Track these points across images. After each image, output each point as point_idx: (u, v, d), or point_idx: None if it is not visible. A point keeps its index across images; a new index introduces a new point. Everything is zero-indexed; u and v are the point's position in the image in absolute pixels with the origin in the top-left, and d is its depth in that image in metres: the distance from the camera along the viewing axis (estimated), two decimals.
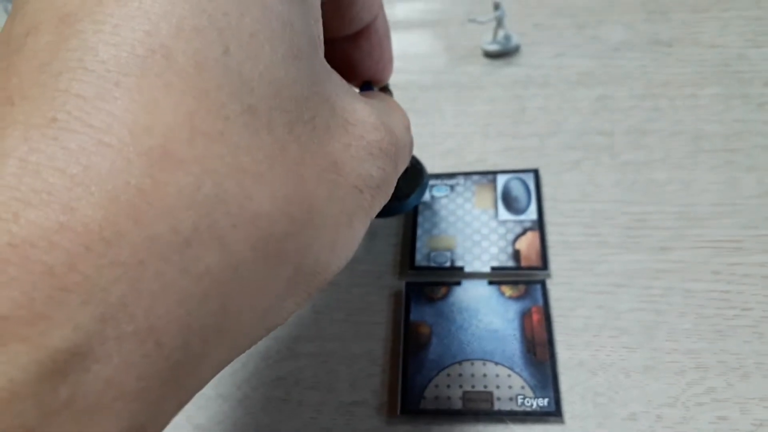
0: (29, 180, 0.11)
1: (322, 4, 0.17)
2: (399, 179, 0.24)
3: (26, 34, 0.12)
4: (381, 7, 0.21)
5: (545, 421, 0.26)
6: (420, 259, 0.32)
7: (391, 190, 0.18)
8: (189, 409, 0.29)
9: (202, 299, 0.12)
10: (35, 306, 0.10)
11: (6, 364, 0.10)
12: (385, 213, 0.28)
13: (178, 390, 0.13)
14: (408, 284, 0.31)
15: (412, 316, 0.30)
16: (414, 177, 0.31)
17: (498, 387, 0.27)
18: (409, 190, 0.30)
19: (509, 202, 0.33)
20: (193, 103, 0.12)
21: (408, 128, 0.20)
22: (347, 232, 0.16)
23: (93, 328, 0.11)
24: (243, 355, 0.16)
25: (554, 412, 0.26)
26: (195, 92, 0.12)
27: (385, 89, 0.26)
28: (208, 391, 0.29)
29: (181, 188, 0.11)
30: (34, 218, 0.10)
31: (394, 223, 0.34)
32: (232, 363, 0.15)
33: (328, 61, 0.17)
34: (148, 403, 0.12)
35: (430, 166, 0.36)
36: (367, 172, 0.16)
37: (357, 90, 0.22)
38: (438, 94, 0.40)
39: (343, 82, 0.17)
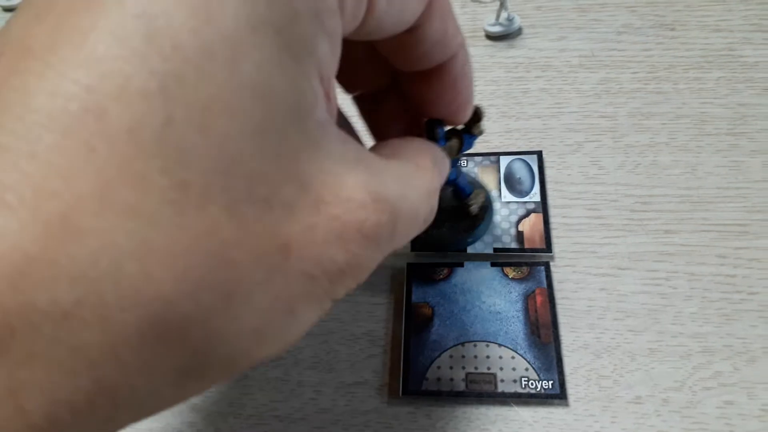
0: None
1: (379, 43, 0.15)
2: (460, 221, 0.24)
3: None
4: (461, 46, 0.19)
5: (550, 404, 0.26)
6: (422, 239, 0.31)
7: (366, 272, 0.16)
8: None
9: (70, 373, 0.11)
10: None
11: None
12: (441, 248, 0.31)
13: None
14: (410, 265, 0.30)
15: (414, 297, 0.29)
16: (480, 218, 0.31)
17: (501, 369, 0.26)
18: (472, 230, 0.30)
19: (512, 183, 0.32)
20: (112, 172, 0.11)
21: (429, 194, 0.18)
22: (284, 319, 0.14)
23: None
24: None
25: (559, 395, 0.26)
26: (118, 161, 0.11)
27: (454, 132, 0.25)
28: None
29: (73, 261, 0.11)
30: None
31: None
32: None
33: (392, 93, 0.15)
34: None
35: None
36: (328, 257, 0.14)
37: (368, 145, 0.20)
38: None
39: (342, 147, 0.15)
